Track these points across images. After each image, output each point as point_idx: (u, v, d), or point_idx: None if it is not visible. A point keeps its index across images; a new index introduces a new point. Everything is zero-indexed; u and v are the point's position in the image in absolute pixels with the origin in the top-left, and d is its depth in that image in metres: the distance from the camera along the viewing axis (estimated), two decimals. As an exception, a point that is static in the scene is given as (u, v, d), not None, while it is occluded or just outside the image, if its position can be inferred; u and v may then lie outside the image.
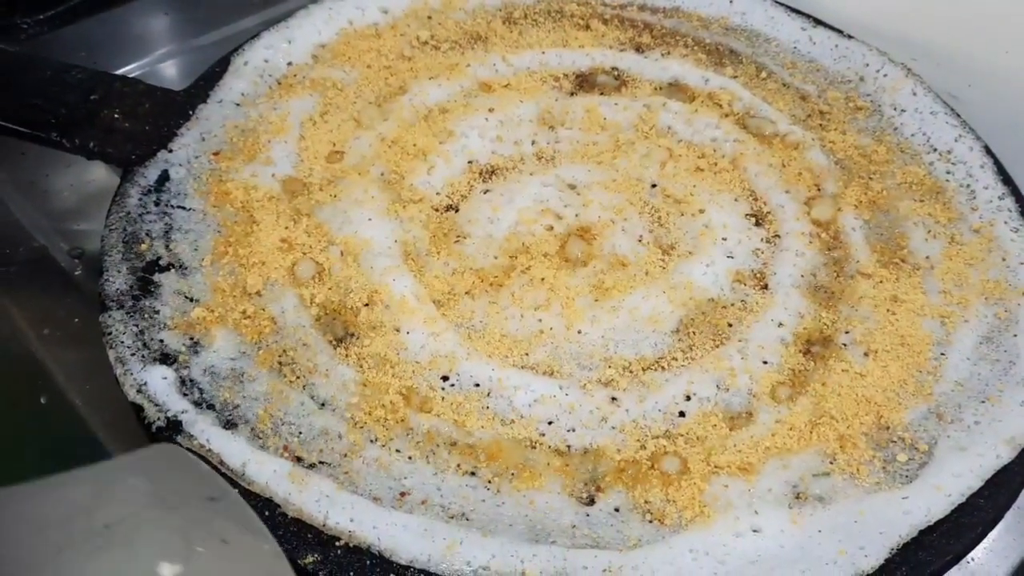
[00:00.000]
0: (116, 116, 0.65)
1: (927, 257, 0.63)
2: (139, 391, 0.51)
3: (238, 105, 0.68)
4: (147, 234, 0.59)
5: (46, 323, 0.62)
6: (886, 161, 0.70)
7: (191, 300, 0.57)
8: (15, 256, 0.67)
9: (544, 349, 0.58)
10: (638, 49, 0.78)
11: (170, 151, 0.64)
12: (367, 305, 0.58)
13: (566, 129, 0.71)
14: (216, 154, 0.65)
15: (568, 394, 0.55)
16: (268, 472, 0.48)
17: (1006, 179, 0.67)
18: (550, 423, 0.54)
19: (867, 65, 0.76)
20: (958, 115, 0.72)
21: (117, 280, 0.56)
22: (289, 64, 0.72)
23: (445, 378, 0.55)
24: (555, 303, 0.60)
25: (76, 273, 0.66)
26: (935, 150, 0.70)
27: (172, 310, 0.56)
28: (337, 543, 0.47)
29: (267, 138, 0.66)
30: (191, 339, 0.55)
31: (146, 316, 0.55)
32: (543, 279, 0.61)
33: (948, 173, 0.69)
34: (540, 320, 0.59)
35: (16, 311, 0.63)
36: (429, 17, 0.78)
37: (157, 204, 0.61)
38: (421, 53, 0.75)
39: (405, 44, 0.76)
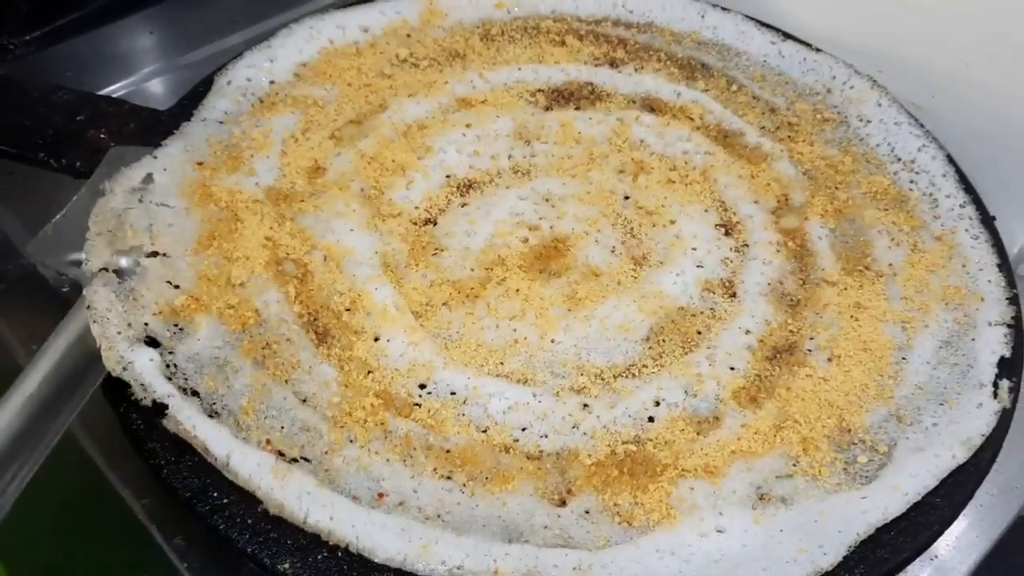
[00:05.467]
0: (102, 136, 0.66)
1: (890, 264, 0.65)
2: (124, 368, 0.52)
3: (221, 123, 0.70)
4: (131, 227, 0.60)
5: (34, 339, 0.63)
6: (852, 171, 0.72)
7: (175, 287, 0.58)
8: (4, 274, 0.68)
9: (518, 358, 0.59)
10: (612, 64, 0.80)
11: (155, 157, 0.65)
12: (348, 310, 0.60)
13: (541, 143, 0.73)
14: (200, 164, 0.66)
15: (541, 401, 0.57)
16: (251, 465, 0.50)
17: (967, 188, 0.70)
18: (523, 429, 0.55)
19: (834, 77, 0.78)
20: (922, 125, 0.74)
21: (100, 261, 0.57)
22: (271, 83, 0.74)
23: (423, 386, 0.57)
24: (529, 313, 0.62)
25: (64, 290, 0.67)
26: (899, 160, 0.72)
27: (156, 295, 0.57)
28: (316, 550, 0.48)
29: (250, 153, 0.68)
30: (176, 325, 0.56)
31: (131, 298, 0.56)
32: (518, 290, 0.63)
33: (912, 182, 0.71)
34: (515, 330, 0.61)
35: (5, 328, 0.64)
36: (408, 35, 0.80)
37: (141, 201, 0.62)
38: (400, 71, 0.77)
39: (385, 62, 0.77)
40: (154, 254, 0.59)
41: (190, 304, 0.57)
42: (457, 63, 0.78)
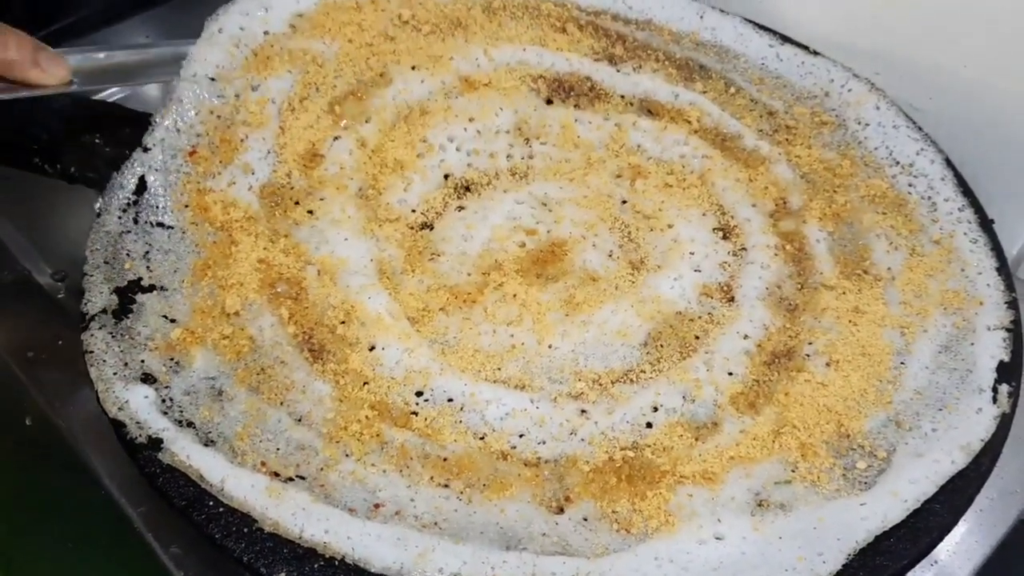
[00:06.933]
0: (96, 141, 0.66)
1: (888, 268, 0.65)
2: (120, 408, 0.52)
3: (213, 80, 0.67)
4: (128, 255, 0.60)
5: (30, 346, 0.63)
6: (850, 174, 0.71)
7: (171, 321, 0.58)
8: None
9: (516, 364, 0.59)
10: (611, 60, 0.79)
11: (146, 150, 0.64)
12: (343, 323, 0.60)
13: (540, 144, 0.73)
14: (192, 153, 0.65)
15: (539, 407, 0.56)
16: (246, 487, 0.50)
17: (966, 191, 0.69)
18: (521, 436, 0.55)
19: (832, 80, 0.77)
20: (920, 128, 0.73)
21: (99, 300, 0.57)
22: (266, 33, 0.71)
23: (419, 393, 0.57)
24: (527, 318, 0.61)
25: (59, 296, 0.67)
26: (898, 163, 0.72)
27: (152, 331, 0.57)
28: (312, 559, 0.48)
29: (244, 132, 0.67)
30: (172, 359, 0.56)
31: (127, 337, 0.56)
32: (515, 295, 0.63)
33: (910, 186, 0.70)
34: (512, 335, 0.61)
35: (0, 333, 0.64)
36: (409, -3, 0.78)
37: (136, 222, 0.62)
38: (402, 33, 0.75)
39: (387, 21, 0.75)
40: (151, 288, 0.59)
41: (185, 338, 0.57)
42: (459, 32, 0.76)
